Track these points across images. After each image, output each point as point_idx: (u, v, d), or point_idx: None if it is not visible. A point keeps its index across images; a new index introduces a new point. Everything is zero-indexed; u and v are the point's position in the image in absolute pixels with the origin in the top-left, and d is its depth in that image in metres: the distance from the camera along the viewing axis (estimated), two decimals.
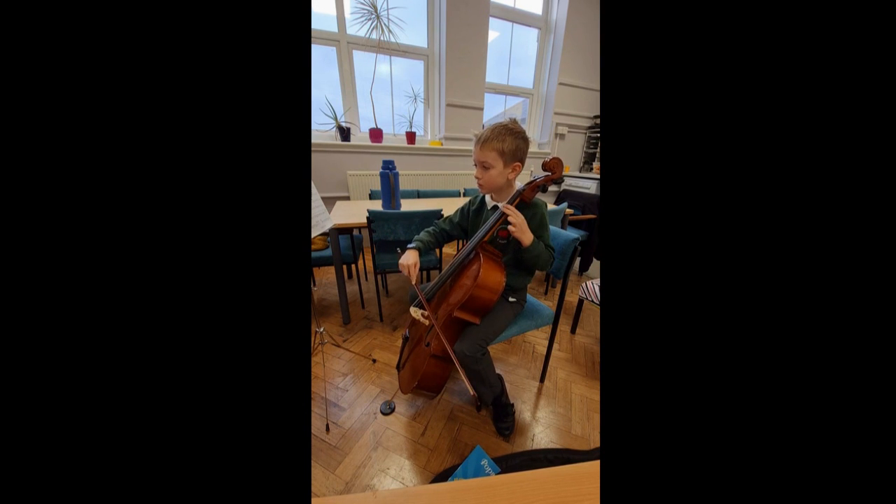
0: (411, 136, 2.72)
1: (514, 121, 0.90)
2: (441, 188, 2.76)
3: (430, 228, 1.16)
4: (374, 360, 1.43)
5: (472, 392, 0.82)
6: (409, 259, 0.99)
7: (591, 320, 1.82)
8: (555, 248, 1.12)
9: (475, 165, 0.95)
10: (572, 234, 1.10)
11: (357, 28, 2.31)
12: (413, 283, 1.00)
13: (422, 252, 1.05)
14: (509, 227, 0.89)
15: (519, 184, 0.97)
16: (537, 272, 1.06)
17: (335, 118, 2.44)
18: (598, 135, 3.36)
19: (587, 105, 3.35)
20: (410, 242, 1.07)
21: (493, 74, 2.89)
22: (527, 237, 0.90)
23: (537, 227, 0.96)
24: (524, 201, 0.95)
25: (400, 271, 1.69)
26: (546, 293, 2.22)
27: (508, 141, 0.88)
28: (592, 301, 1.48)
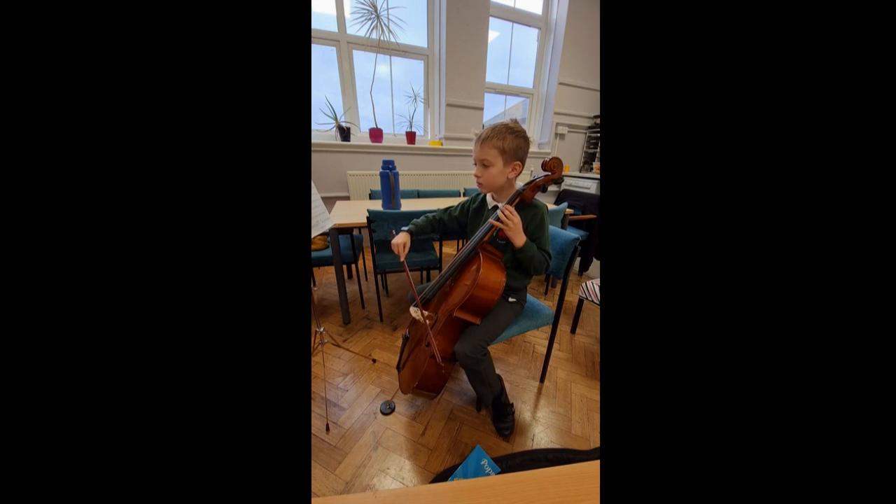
0: (411, 136, 2.72)
1: (514, 121, 0.91)
2: (441, 188, 2.76)
3: (429, 214, 1.19)
4: (374, 360, 1.43)
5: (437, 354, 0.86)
6: (400, 239, 1.04)
7: (591, 320, 1.82)
8: (555, 247, 1.12)
9: (475, 164, 0.95)
10: (572, 234, 1.10)
11: (357, 28, 2.31)
12: (401, 259, 1.04)
13: (413, 234, 1.11)
14: (497, 223, 0.89)
15: (519, 184, 0.97)
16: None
17: (335, 118, 2.43)
18: (598, 135, 3.36)
19: (587, 105, 3.34)
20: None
21: (493, 74, 2.89)
22: (519, 238, 0.90)
23: (536, 228, 0.96)
24: (524, 201, 0.95)
25: (400, 271, 1.69)
26: (546, 293, 2.21)
27: (509, 139, 0.88)
28: (592, 301, 1.48)
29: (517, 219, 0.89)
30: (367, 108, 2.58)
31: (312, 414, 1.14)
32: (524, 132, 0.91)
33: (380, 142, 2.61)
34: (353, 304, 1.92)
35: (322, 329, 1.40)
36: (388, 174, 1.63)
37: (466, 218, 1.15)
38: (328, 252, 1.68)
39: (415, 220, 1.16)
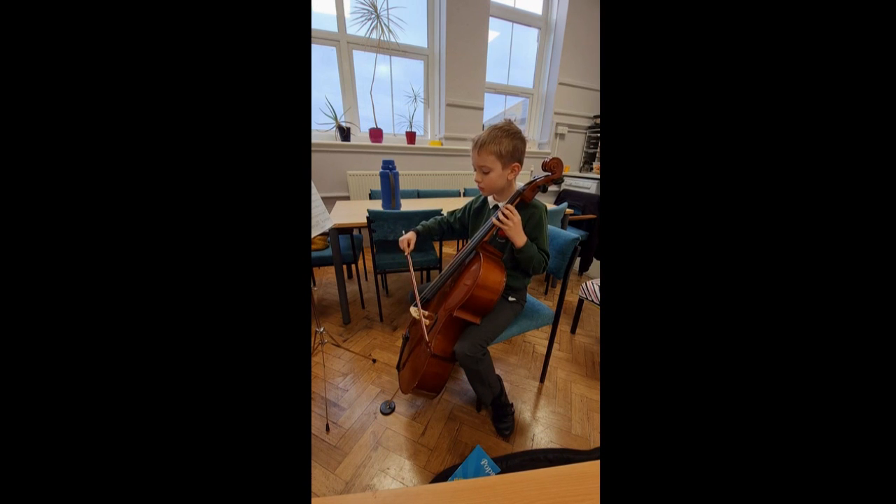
0: (411, 136, 2.72)
1: (508, 121, 0.90)
2: (441, 188, 2.76)
3: (438, 217, 1.24)
4: (374, 360, 1.43)
5: (426, 339, 0.90)
6: (407, 236, 1.12)
7: (591, 320, 1.82)
8: (555, 247, 1.12)
9: (475, 170, 0.95)
10: (572, 234, 1.10)
11: (357, 28, 2.31)
12: (406, 254, 1.10)
13: (420, 234, 1.18)
14: (497, 223, 0.89)
15: (520, 184, 0.97)
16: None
17: (335, 118, 2.43)
18: (598, 135, 3.36)
19: (587, 105, 3.34)
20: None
21: (493, 74, 2.88)
22: (520, 238, 0.90)
23: (533, 228, 0.96)
24: (524, 201, 0.95)
25: (401, 271, 1.70)
26: (546, 293, 2.21)
27: (505, 143, 0.88)
28: (592, 301, 1.48)
29: (517, 218, 0.89)
30: (367, 108, 2.58)
31: (312, 414, 1.14)
32: (519, 132, 0.90)
33: (380, 142, 2.61)
34: (353, 304, 1.92)
35: (322, 329, 1.39)
36: (388, 174, 1.63)
37: (469, 219, 1.15)
38: (328, 252, 1.68)
39: (424, 221, 1.21)
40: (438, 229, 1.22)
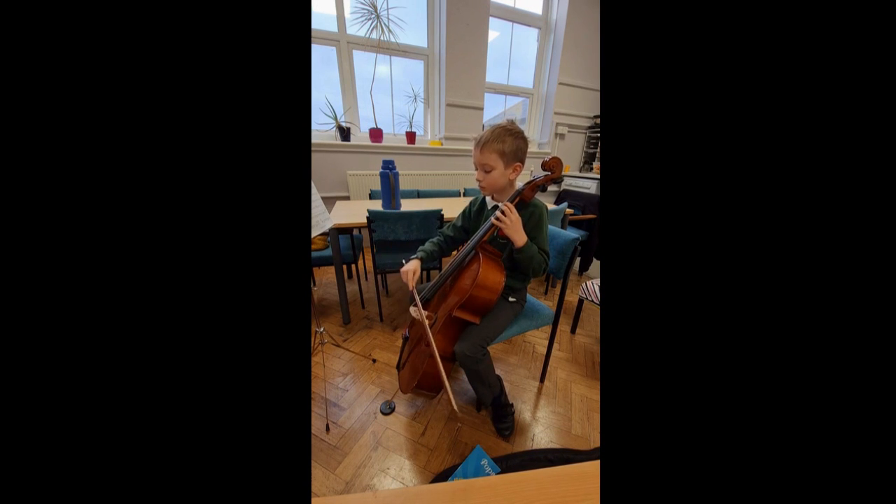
0: (411, 136, 2.72)
1: (511, 121, 0.91)
2: (441, 188, 2.75)
3: (435, 238, 1.17)
4: (374, 360, 1.43)
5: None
6: (410, 267, 1.03)
7: (591, 320, 1.82)
8: (555, 247, 1.12)
9: (476, 169, 0.95)
10: (572, 234, 1.10)
11: (357, 28, 2.31)
12: (410, 288, 1.02)
13: (424, 261, 1.10)
14: (496, 221, 0.88)
15: (520, 183, 0.97)
16: None
17: (335, 118, 2.43)
18: (598, 135, 3.36)
19: (587, 105, 3.34)
20: (414, 253, 1.10)
21: (493, 74, 2.88)
22: (520, 237, 0.90)
23: (533, 228, 0.96)
24: (524, 200, 0.95)
25: (398, 271, 1.70)
26: (546, 293, 2.21)
27: (508, 142, 0.88)
28: (592, 301, 1.48)
29: (516, 216, 0.89)
30: (367, 108, 2.58)
31: (312, 414, 1.14)
32: (522, 132, 0.91)
33: (380, 142, 2.61)
34: (353, 304, 1.92)
35: (322, 329, 1.39)
36: (388, 174, 1.63)
37: (469, 222, 1.14)
38: (328, 252, 1.68)
39: (422, 247, 1.13)
40: (440, 250, 1.15)
